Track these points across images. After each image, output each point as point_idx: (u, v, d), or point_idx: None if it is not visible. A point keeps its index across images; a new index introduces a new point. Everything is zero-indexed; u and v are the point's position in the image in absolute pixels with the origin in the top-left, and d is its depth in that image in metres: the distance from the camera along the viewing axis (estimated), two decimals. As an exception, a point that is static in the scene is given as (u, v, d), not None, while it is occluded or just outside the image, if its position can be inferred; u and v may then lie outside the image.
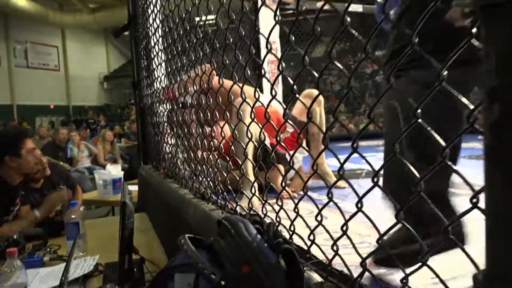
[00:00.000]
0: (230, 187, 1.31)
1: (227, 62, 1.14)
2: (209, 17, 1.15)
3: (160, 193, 2.09)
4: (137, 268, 1.51)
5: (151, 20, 2.15)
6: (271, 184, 1.00)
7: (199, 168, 1.59)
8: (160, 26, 2.02)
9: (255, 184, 1.12)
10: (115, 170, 3.26)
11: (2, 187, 2.06)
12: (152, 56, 2.15)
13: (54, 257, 1.73)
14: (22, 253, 1.79)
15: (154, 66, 2.19)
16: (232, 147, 1.16)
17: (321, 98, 2.50)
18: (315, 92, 2.47)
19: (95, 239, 1.97)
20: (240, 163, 1.18)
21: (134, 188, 3.15)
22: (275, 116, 2.23)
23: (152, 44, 2.14)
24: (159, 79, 2.11)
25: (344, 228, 0.72)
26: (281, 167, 2.02)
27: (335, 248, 0.75)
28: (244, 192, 1.27)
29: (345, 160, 0.69)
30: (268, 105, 0.86)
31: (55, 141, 5.60)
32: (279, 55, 5.48)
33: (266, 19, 4.51)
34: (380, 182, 0.63)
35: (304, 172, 2.55)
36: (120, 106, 19.39)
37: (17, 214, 2.20)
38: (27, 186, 2.49)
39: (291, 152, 0.87)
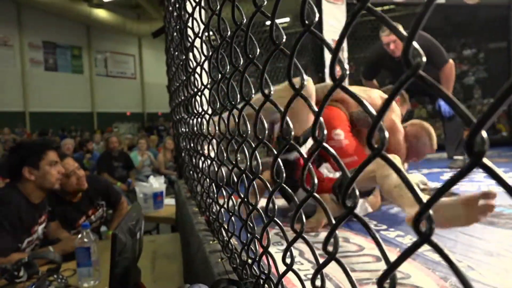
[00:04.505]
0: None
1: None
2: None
3: (182, 216, 1.93)
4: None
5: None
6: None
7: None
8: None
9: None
10: (157, 183, 3.19)
11: (22, 206, 1.97)
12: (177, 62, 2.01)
13: (61, 287, 1.64)
14: (34, 277, 1.74)
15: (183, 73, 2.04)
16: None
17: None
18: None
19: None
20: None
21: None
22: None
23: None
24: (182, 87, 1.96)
25: None
26: None
27: None
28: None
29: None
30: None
31: (107, 150, 5.71)
32: (345, 55, 5.15)
33: (331, 16, 4.20)
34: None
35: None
36: (192, 113, 20.07)
37: (44, 232, 2.18)
38: (63, 200, 2.48)
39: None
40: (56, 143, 6.64)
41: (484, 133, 0.25)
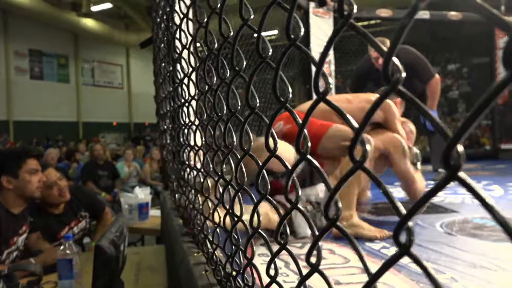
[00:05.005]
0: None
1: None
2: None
3: (167, 227, 1.92)
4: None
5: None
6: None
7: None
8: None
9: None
10: (143, 194, 3.15)
11: (1, 216, 1.91)
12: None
13: (41, 301, 1.60)
14: (14, 290, 1.70)
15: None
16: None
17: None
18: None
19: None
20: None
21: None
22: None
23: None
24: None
25: None
26: None
27: None
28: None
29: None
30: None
31: (92, 158, 5.62)
32: (332, 68, 5.21)
33: (318, 29, 4.28)
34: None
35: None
36: (179, 123, 20.02)
37: (25, 243, 2.13)
38: (45, 211, 2.43)
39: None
40: (38, 151, 6.56)
41: (460, 147, 0.26)
